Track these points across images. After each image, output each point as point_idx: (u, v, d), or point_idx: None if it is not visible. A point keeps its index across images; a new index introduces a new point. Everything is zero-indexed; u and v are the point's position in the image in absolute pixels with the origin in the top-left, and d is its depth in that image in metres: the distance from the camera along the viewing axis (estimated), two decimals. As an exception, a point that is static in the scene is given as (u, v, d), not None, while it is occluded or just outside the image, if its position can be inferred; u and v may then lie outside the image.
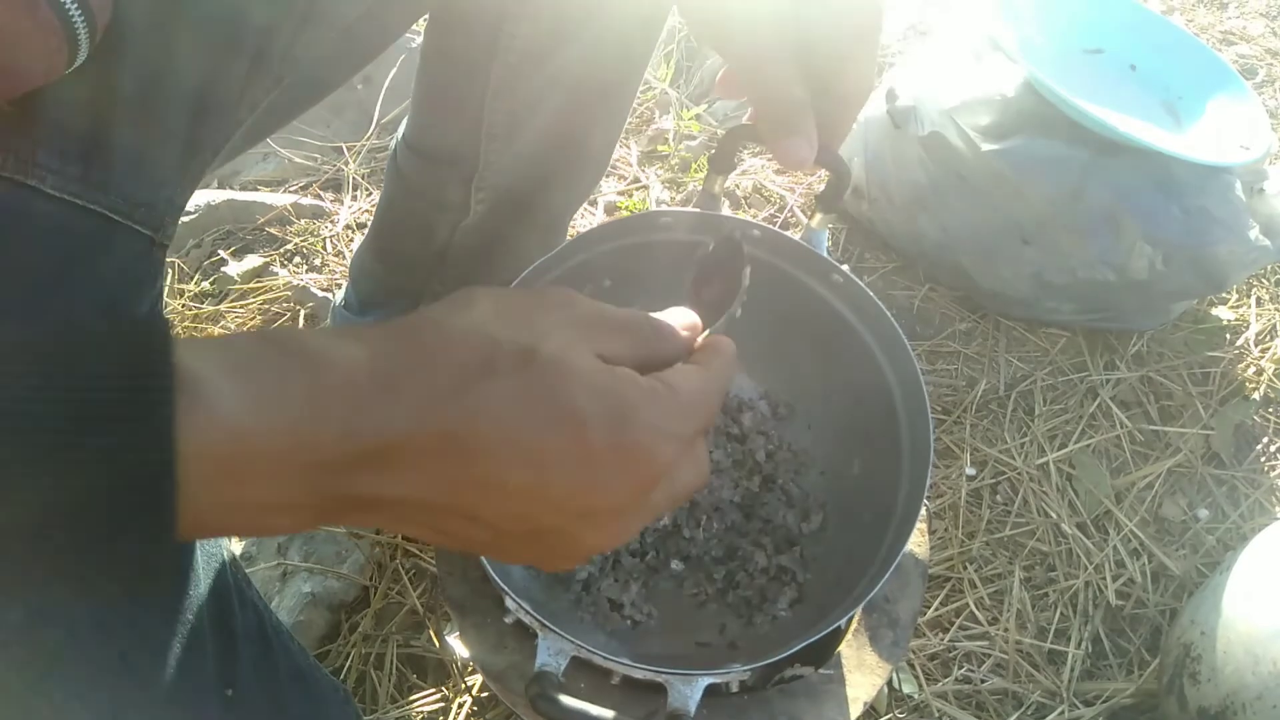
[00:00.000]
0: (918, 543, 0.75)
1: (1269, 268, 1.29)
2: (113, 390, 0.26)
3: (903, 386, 0.69)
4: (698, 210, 0.71)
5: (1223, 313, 1.24)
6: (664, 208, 0.71)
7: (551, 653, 0.48)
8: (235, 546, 0.92)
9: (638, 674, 0.49)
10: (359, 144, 1.39)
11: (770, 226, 0.72)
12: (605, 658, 0.49)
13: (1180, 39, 1.21)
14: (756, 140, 0.64)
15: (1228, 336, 1.21)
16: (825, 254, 0.72)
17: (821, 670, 0.68)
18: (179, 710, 0.45)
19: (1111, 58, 1.22)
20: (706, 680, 0.50)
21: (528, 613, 0.48)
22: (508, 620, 0.54)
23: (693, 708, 0.48)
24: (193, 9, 0.53)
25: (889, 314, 0.69)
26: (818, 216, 0.71)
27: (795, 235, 0.71)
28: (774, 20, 0.52)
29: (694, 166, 1.38)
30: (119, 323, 0.30)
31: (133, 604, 0.44)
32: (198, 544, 0.49)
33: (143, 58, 0.53)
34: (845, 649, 0.70)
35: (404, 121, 0.96)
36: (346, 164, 1.36)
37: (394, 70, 1.47)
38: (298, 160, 1.39)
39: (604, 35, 0.77)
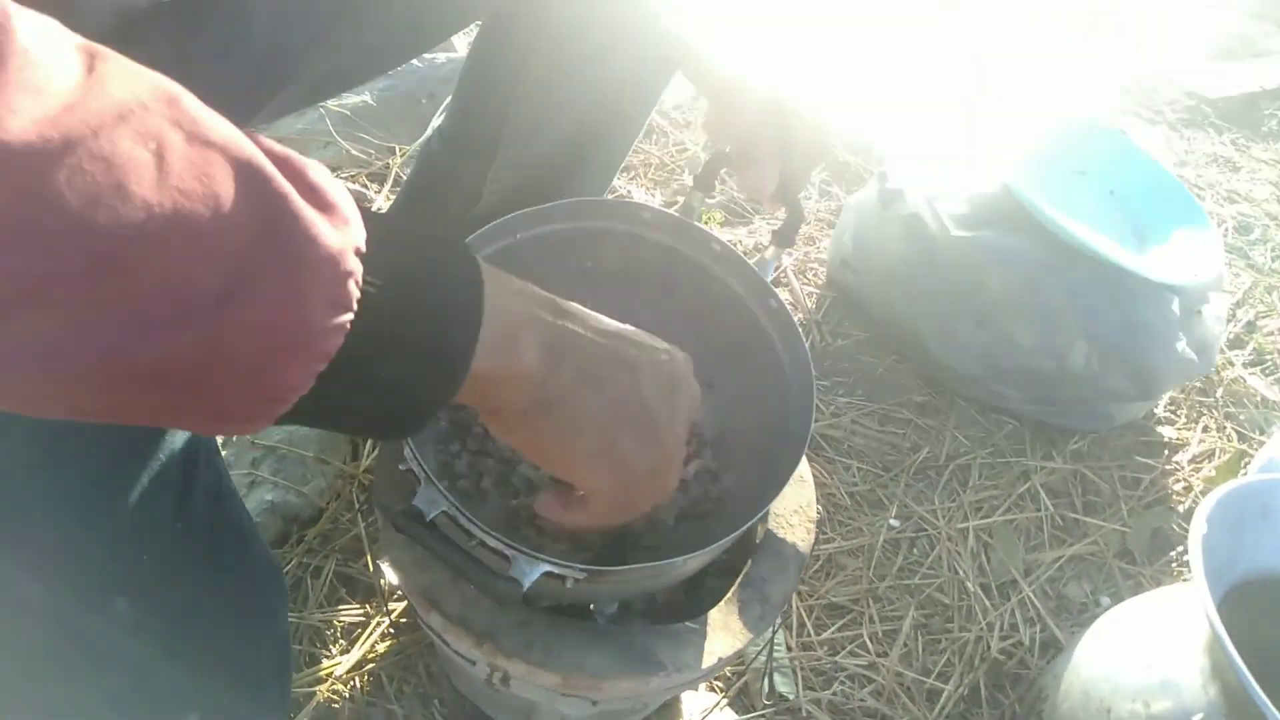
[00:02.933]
0: (803, 538, 0.83)
1: (1219, 397, 1.36)
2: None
3: (799, 410, 0.78)
4: (677, 215, 0.81)
5: (1167, 431, 1.31)
6: (648, 204, 0.82)
7: (425, 501, 0.57)
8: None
9: (490, 541, 0.58)
10: (410, 147, 1.55)
11: (728, 245, 0.83)
12: (468, 517, 0.57)
13: (1160, 175, 1.32)
14: (730, 166, 0.77)
15: (1166, 452, 1.28)
16: (768, 280, 0.82)
17: (689, 624, 0.76)
18: (135, 525, 0.55)
19: (1094, 180, 1.32)
20: (546, 566, 0.58)
21: (418, 463, 0.57)
22: (402, 468, 0.63)
23: (527, 583, 0.56)
24: None
25: (804, 342, 0.78)
26: (770, 249, 0.82)
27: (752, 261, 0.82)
28: (752, 80, 0.67)
29: (705, 217, 1.51)
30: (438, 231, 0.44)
31: (113, 430, 0.55)
32: None
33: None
34: (715, 613, 0.77)
35: (442, 114, 1.10)
36: (395, 162, 1.51)
37: (451, 96, 1.64)
38: (354, 152, 1.54)
39: (623, 66, 0.90)
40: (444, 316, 0.40)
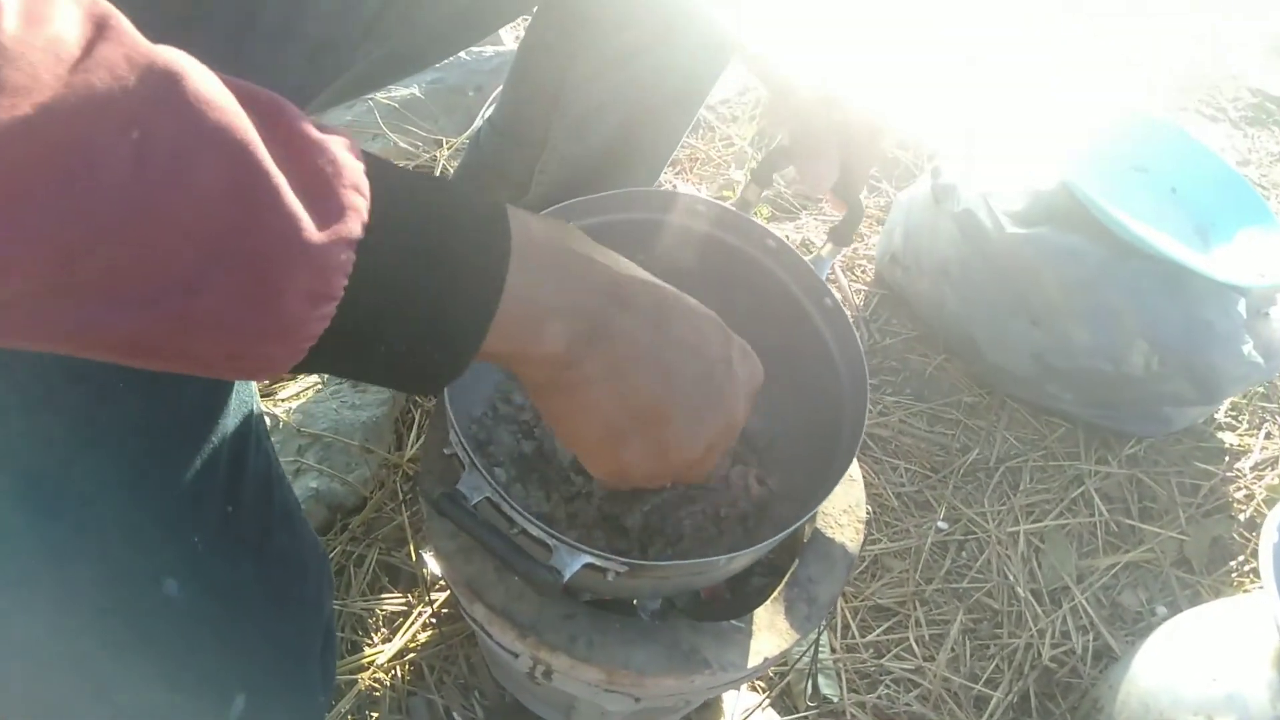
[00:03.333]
0: (851, 538, 0.81)
1: (1283, 404, 1.31)
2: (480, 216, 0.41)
3: (853, 411, 0.76)
4: (732, 209, 0.80)
5: (1228, 437, 1.27)
6: (702, 195, 0.81)
7: (469, 486, 0.56)
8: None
9: (532, 530, 0.57)
10: (457, 140, 1.55)
11: (785, 241, 0.81)
12: (512, 505, 0.56)
13: (1224, 172, 1.28)
14: (790, 160, 0.75)
15: (1227, 459, 1.24)
16: (824, 279, 0.80)
17: (734, 622, 0.75)
18: (187, 507, 0.55)
19: (1155, 178, 1.28)
20: (587, 558, 0.56)
21: (463, 448, 0.57)
22: (446, 451, 0.63)
23: (568, 574, 0.55)
24: None
25: (859, 343, 0.76)
26: (828, 246, 0.80)
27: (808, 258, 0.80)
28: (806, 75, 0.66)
29: (754, 212, 1.49)
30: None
31: (167, 412, 0.55)
32: (232, 389, 0.59)
33: None
34: (761, 612, 0.76)
35: (492, 105, 1.09)
36: (442, 154, 1.51)
37: (501, 87, 1.64)
38: (402, 145, 1.55)
39: (673, 59, 0.89)
40: (450, 307, 0.40)
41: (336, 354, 0.38)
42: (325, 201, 0.35)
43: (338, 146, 0.36)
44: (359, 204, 0.36)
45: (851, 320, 0.77)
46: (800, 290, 0.81)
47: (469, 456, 0.56)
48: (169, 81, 0.31)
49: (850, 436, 0.73)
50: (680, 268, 0.85)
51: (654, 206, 0.80)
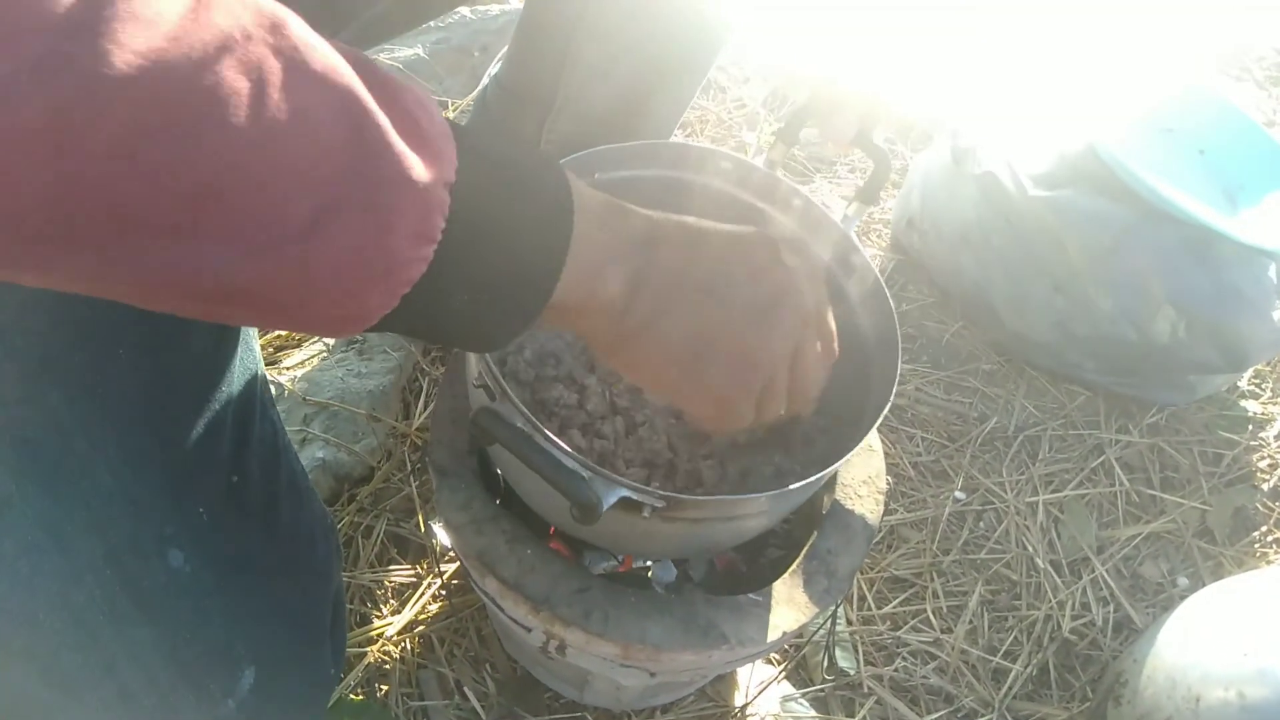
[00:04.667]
0: (871, 509, 0.80)
1: (1308, 372, 1.29)
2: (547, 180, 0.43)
3: (881, 370, 0.73)
4: (758, 166, 0.77)
5: (1251, 405, 1.24)
6: (728, 151, 0.78)
7: (504, 414, 0.53)
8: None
9: (568, 462, 0.53)
10: (463, 101, 1.51)
11: (812, 200, 0.78)
12: (546, 435, 0.53)
13: (1254, 134, 1.24)
14: (811, 115, 0.74)
15: (1250, 428, 1.21)
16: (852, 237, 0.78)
17: (752, 596, 0.73)
18: (192, 477, 0.53)
19: (1182, 138, 1.25)
20: (624, 491, 0.53)
21: (493, 376, 0.54)
22: (475, 384, 0.60)
23: (603, 507, 0.52)
24: None
25: (890, 301, 0.74)
26: (854, 205, 0.77)
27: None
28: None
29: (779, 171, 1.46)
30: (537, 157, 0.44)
31: (169, 378, 0.53)
32: (236, 353, 0.57)
33: None
34: (779, 585, 0.74)
35: (498, 64, 1.06)
36: (447, 114, 1.48)
37: (507, 45, 1.60)
38: (406, 106, 1.52)
39: (685, 13, 0.86)
40: (529, 249, 0.41)
41: (420, 305, 0.38)
42: (423, 143, 0.36)
43: (419, 92, 0.37)
44: (449, 148, 0.37)
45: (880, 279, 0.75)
46: (826, 250, 0.79)
47: (499, 386, 0.54)
48: (276, 23, 0.32)
49: (879, 393, 0.71)
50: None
51: (680, 163, 0.77)
